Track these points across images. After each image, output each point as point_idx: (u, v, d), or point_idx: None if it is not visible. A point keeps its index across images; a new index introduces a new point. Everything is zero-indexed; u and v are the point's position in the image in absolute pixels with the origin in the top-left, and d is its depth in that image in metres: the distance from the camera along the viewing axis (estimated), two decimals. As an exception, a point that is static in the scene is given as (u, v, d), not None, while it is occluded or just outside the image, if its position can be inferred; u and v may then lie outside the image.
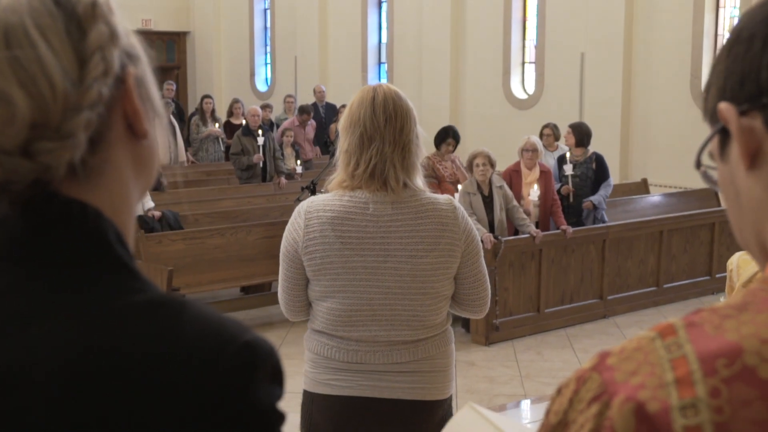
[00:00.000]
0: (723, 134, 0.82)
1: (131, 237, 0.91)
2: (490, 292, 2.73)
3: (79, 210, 0.86)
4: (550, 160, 8.57)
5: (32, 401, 0.79)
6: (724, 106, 0.80)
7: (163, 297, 0.86)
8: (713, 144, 0.84)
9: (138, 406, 0.80)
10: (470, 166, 7.35)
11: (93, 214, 0.86)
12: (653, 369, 0.72)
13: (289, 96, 13.94)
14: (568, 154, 8.33)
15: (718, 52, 0.85)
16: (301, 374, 2.73)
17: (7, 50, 0.81)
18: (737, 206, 0.83)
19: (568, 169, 8.15)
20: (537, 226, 7.64)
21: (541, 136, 9.21)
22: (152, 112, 0.92)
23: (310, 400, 2.68)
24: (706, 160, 0.86)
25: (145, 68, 0.93)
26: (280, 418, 0.86)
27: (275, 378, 0.86)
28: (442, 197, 2.67)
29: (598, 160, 8.37)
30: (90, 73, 0.84)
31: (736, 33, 0.82)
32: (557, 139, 9.09)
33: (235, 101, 12.73)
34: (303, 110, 12.41)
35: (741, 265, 2.71)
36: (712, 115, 0.83)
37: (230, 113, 12.62)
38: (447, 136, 8.14)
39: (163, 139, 0.95)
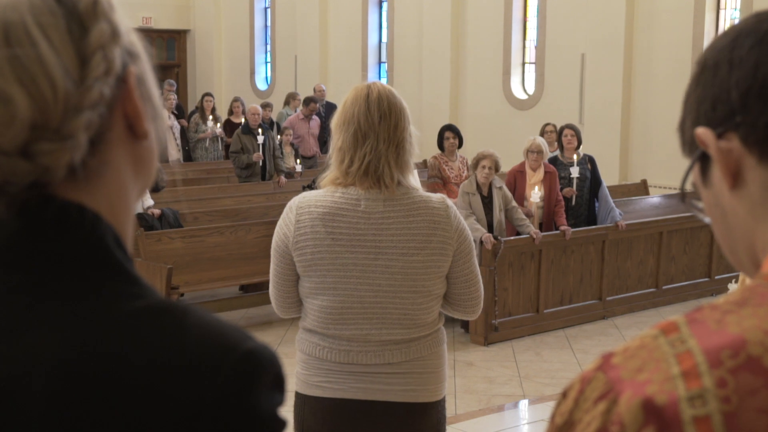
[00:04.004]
0: (703, 160, 0.85)
1: (130, 240, 0.90)
2: (483, 293, 2.72)
3: (77, 213, 0.84)
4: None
5: (30, 409, 0.78)
6: (701, 131, 0.82)
7: (164, 303, 0.85)
8: (695, 173, 0.86)
9: (138, 413, 0.79)
10: (475, 165, 7.34)
11: (91, 217, 0.84)
12: (658, 365, 0.73)
13: (298, 94, 13.77)
14: (574, 156, 8.29)
15: (687, 87, 0.88)
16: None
17: (7, 48, 0.79)
18: (725, 226, 0.85)
19: (575, 171, 8.15)
20: (541, 228, 7.64)
21: (542, 134, 9.21)
22: (152, 111, 0.90)
23: (302, 402, 2.66)
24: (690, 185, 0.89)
25: (145, 66, 0.91)
26: (281, 425, 0.85)
27: (277, 385, 0.85)
28: (435, 196, 2.66)
29: (591, 161, 8.40)
30: (91, 73, 0.82)
31: (702, 64, 0.85)
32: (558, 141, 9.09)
33: (235, 100, 12.70)
34: (309, 100, 12.30)
35: None
36: (690, 145, 0.86)
37: (230, 112, 12.60)
38: (443, 132, 8.24)
39: (163, 139, 0.93)
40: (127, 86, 0.86)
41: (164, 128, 0.95)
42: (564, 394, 0.79)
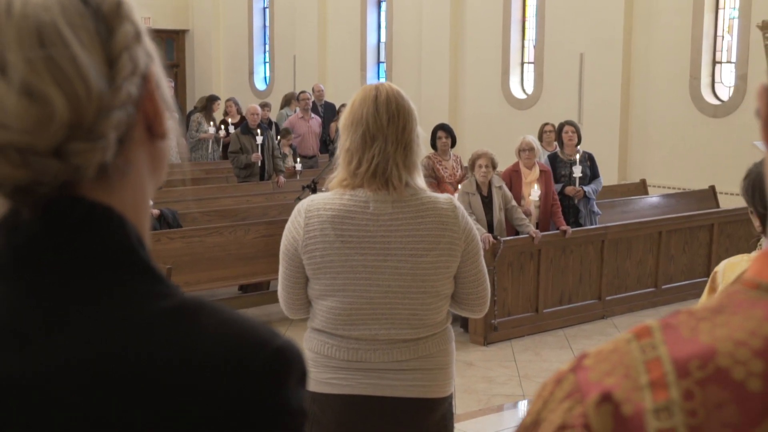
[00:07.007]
0: None
1: (148, 238, 0.91)
2: (489, 291, 2.74)
3: (103, 214, 0.85)
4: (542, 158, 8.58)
5: (57, 407, 0.79)
6: (762, 87, 0.78)
7: (191, 301, 0.86)
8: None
9: (170, 411, 0.79)
10: (472, 166, 7.35)
11: (117, 217, 0.85)
12: (628, 371, 0.72)
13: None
14: (576, 156, 8.28)
15: None
16: (302, 372, 2.73)
17: (42, 49, 0.79)
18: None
19: (577, 171, 8.15)
20: (537, 227, 7.64)
21: (541, 134, 9.20)
22: (167, 111, 0.92)
23: (311, 399, 2.67)
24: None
25: (159, 68, 0.92)
26: (305, 417, 0.88)
27: (302, 380, 0.88)
28: (442, 196, 2.68)
29: (591, 159, 8.40)
30: (120, 73, 0.83)
31: None
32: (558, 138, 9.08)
33: (227, 100, 12.63)
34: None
35: (727, 269, 2.70)
36: None
37: (225, 112, 12.58)
38: (436, 131, 8.23)
39: (175, 139, 0.94)
40: (148, 86, 0.88)
41: (177, 128, 0.96)
42: (537, 394, 0.78)
